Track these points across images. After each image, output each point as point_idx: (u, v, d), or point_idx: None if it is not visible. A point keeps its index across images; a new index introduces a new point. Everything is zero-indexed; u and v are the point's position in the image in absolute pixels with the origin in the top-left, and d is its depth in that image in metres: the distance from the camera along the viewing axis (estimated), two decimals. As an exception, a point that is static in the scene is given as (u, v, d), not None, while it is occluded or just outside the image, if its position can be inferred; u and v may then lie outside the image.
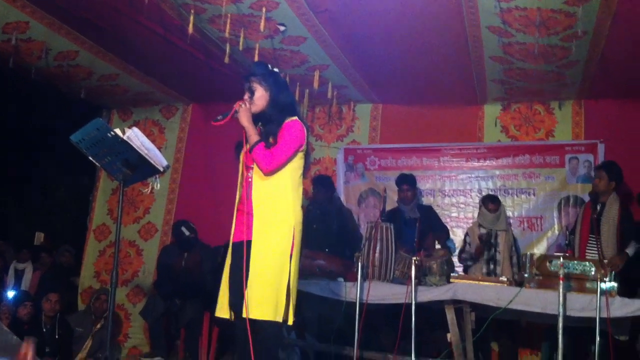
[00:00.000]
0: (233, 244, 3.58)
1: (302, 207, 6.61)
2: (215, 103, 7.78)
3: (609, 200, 5.60)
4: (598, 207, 5.62)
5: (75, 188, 7.68)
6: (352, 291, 5.09)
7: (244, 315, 3.33)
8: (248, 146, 3.56)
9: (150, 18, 5.40)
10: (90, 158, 3.85)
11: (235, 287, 3.46)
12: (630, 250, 5.37)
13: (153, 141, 7.63)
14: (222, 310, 3.58)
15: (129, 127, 3.79)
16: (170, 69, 6.74)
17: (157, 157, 3.86)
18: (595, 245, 5.50)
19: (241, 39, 5.35)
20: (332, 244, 6.24)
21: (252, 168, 3.57)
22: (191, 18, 5.05)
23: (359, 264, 5.01)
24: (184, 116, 8.01)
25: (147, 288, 7.24)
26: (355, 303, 4.95)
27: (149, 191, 4.07)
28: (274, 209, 3.51)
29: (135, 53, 6.31)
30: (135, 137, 3.69)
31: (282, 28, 5.41)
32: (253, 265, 3.40)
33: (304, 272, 5.59)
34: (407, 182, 6.35)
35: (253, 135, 3.54)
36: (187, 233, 6.42)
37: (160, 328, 6.27)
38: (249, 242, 3.45)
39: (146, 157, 3.74)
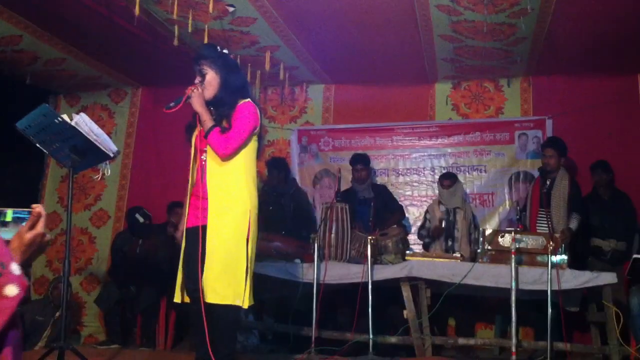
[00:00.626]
0: (187, 229, 3.53)
1: (258, 189, 6.63)
2: (165, 86, 7.66)
3: (558, 175, 5.74)
4: (547, 182, 5.75)
5: (23, 176, 7.49)
6: (309, 272, 5.12)
7: (202, 300, 3.30)
8: (203, 131, 3.50)
9: (95, 0, 5.27)
10: (38, 145, 3.76)
11: (191, 272, 3.42)
12: (573, 225, 5.52)
13: (102, 126, 7.48)
14: (179, 296, 3.56)
15: (77, 113, 3.70)
16: (118, 52, 6.60)
17: (106, 143, 3.80)
18: (546, 219, 5.63)
19: (190, 21, 5.27)
20: (288, 226, 6.25)
21: (206, 151, 3.52)
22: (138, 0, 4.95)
23: (315, 244, 5.04)
24: (133, 100, 7.87)
25: (101, 276, 7.14)
26: (312, 284, 4.97)
27: (99, 177, 3.98)
28: (228, 193, 3.48)
29: (81, 36, 6.16)
30: (83, 122, 3.62)
31: (231, 9, 5.35)
32: (210, 249, 3.37)
33: (261, 254, 5.59)
34: (360, 161, 6.38)
35: (208, 120, 3.50)
36: (141, 220, 6.35)
37: (115, 316, 6.20)
38: (204, 227, 3.41)
39: (95, 142, 3.67)
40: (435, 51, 6.20)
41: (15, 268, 1.55)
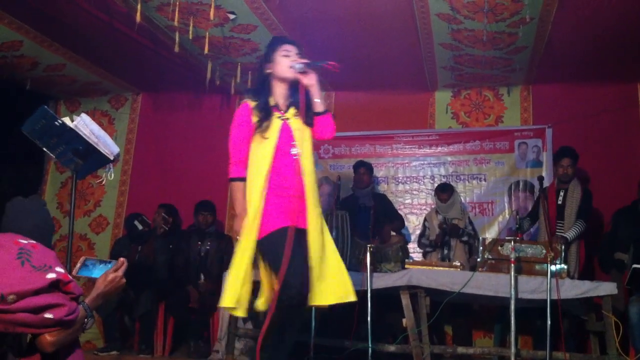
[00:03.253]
0: (281, 229, 3.24)
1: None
2: (165, 92, 7.69)
3: (571, 184, 5.73)
4: (561, 193, 5.73)
5: (22, 182, 7.50)
6: (308, 279, 5.09)
7: (316, 303, 3.29)
8: (318, 105, 3.40)
9: (96, 6, 5.28)
10: (44, 149, 3.72)
11: (298, 275, 3.21)
12: (570, 234, 5.48)
13: (102, 133, 7.49)
14: (243, 306, 3.47)
15: (78, 115, 3.64)
16: (119, 58, 6.61)
17: (107, 145, 3.73)
18: (563, 231, 5.59)
19: (190, 28, 5.28)
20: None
21: (296, 145, 3.34)
22: (138, 6, 4.95)
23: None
24: (133, 106, 7.88)
25: (99, 282, 7.12)
26: (311, 291, 4.95)
27: (103, 182, 3.92)
28: (316, 191, 3.42)
29: (82, 42, 6.17)
30: (83, 124, 3.56)
31: (232, 16, 5.36)
32: (321, 252, 3.30)
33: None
34: (364, 165, 6.44)
35: (321, 99, 3.41)
36: (140, 227, 6.34)
37: (114, 321, 6.18)
38: (303, 230, 3.27)
39: (95, 145, 3.62)
40: (435, 59, 6.21)
41: (59, 269, 2.17)
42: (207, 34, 5.52)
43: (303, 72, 3.34)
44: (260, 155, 3.32)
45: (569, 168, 5.74)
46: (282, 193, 3.29)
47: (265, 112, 3.34)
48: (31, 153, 3.77)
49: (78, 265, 2.45)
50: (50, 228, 2.52)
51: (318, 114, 3.40)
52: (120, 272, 2.40)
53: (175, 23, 5.10)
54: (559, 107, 6.82)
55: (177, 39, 5.38)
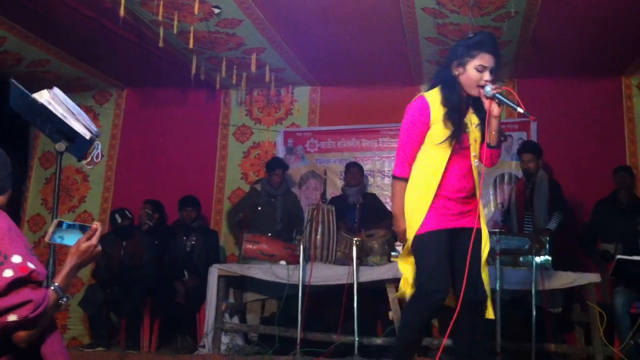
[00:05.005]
0: (464, 229, 3.23)
1: (256, 189, 6.63)
2: (150, 87, 7.65)
3: (538, 177, 5.82)
4: (530, 186, 5.82)
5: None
6: (294, 274, 5.11)
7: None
8: (493, 138, 3.17)
9: (80, 1, 5.25)
10: (37, 128, 3.40)
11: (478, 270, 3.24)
12: (552, 225, 5.57)
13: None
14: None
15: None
16: (103, 53, 6.57)
17: (87, 122, 3.34)
18: (531, 223, 5.69)
19: (175, 22, 5.25)
20: (277, 226, 6.27)
21: (475, 155, 3.25)
22: (122, 1, 4.91)
23: (301, 246, 5.03)
24: (118, 102, 7.83)
25: (85, 278, 7.09)
26: (298, 285, 4.97)
27: (89, 162, 3.52)
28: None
29: (66, 38, 6.12)
30: (57, 99, 3.17)
31: (216, 11, 5.34)
32: (483, 254, 3.30)
33: (247, 256, 5.60)
34: (357, 165, 6.55)
35: (499, 131, 3.17)
36: (119, 220, 6.30)
37: (100, 318, 6.16)
38: (479, 230, 3.25)
39: (68, 123, 3.22)
40: (420, 53, 6.23)
41: (16, 258, 1.91)
42: (192, 28, 5.49)
43: (491, 98, 3.07)
44: (437, 159, 3.22)
45: (530, 163, 5.86)
46: (451, 196, 3.23)
47: (458, 125, 3.18)
48: (14, 150, 3.58)
49: (51, 230, 2.19)
50: None
51: (489, 145, 3.19)
52: (94, 240, 2.15)
53: (160, 17, 5.08)
54: (544, 101, 6.84)
55: (161, 34, 5.36)
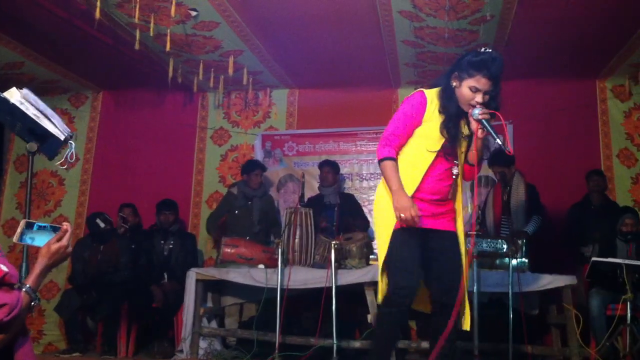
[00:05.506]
0: (438, 231, 3.28)
1: (233, 193, 6.59)
2: (126, 90, 7.59)
3: (514, 182, 5.87)
4: (507, 189, 5.87)
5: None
6: (273, 277, 5.10)
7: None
8: (473, 157, 3.26)
9: (55, 3, 5.19)
10: (7, 128, 3.32)
11: (454, 273, 3.27)
12: (530, 228, 5.62)
13: (63, 131, 7.31)
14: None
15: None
16: (79, 55, 6.50)
17: (59, 123, 3.28)
18: (508, 226, 5.73)
19: (151, 25, 5.22)
20: (254, 229, 6.25)
21: (456, 165, 3.29)
22: (98, 3, 4.88)
23: (279, 249, 5.02)
24: (94, 104, 7.76)
25: (61, 283, 7.02)
26: (276, 289, 4.96)
27: (63, 162, 3.41)
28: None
29: (40, 40, 6.04)
30: (30, 100, 3.10)
31: (193, 13, 5.32)
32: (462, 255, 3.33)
33: (225, 260, 5.57)
34: (329, 164, 6.51)
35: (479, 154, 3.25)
36: (102, 225, 6.24)
37: (76, 323, 6.09)
38: (455, 234, 3.33)
39: (41, 123, 3.15)
40: (397, 56, 6.25)
41: None
42: (169, 31, 5.46)
43: (477, 121, 3.11)
44: (420, 162, 3.22)
45: (498, 174, 5.92)
46: (424, 197, 3.24)
47: (454, 136, 3.20)
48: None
49: (19, 230, 2.19)
50: None
51: (468, 162, 3.30)
52: (64, 241, 2.17)
53: (136, 20, 5.05)
54: (520, 104, 6.88)
55: (137, 37, 5.33)
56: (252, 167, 6.47)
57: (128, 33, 5.62)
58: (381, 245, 3.29)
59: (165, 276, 6.24)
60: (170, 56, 5.99)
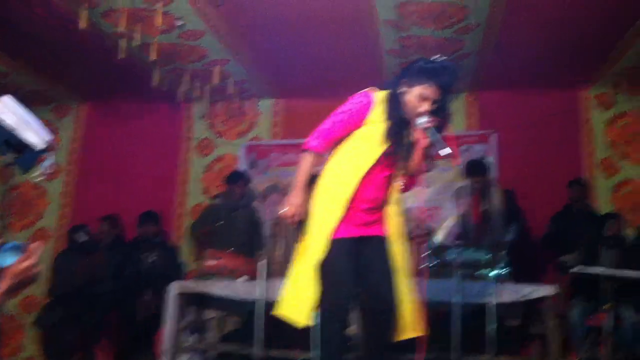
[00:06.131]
0: (372, 237, 3.15)
1: (216, 204, 6.52)
2: (111, 101, 7.54)
3: (491, 191, 5.87)
4: (485, 198, 5.88)
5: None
6: (255, 290, 5.04)
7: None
8: (412, 168, 3.13)
9: (40, 12, 5.15)
10: None
11: (385, 279, 3.11)
12: (509, 236, 5.62)
13: (46, 141, 7.20)
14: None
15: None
16: (63, 66, 6.46)
17: (37, 132, 3.21)
18: (488, 235, 5.73)
19: (137, 34, 5.18)
20: (238, 241, 6.19)
21: (397, 174, 3.18)
22: (84, 12, 4.85)
23: (263, 261, 4.97)
24: (77, 115, 7.70)
25: (42, 295, 6.92)
26: (259, 301, 4.90)
27: (39, 176, 3.34)
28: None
29: (24, 49, 6.01)
30: (6, 111, 3.04)
31: (179, 22, 5.31)
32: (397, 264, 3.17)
33: (207, 272, 5.51)
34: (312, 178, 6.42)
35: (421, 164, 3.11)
36: (84, 238, 6.17)
37: (56, 336, 6.00)
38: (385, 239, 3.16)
39: (21, 135, 3.10)
40: (383, 66, 6.24)
41: None
42: (155, 40, 5.43)
43: (422, 130, 3.01)
44: (356, 168, 3.07)
45: (476, 183, 5.93)
46: (359, 206, 3.09)
47: (398, 144, 3.07)
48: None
49: None
50: None
51: (409, 173, 3.17)
52: (32, 260, 2.03)
53: (122, 29, 5.01)
54: (504, 113, 6.92)
55: (123, 46, 5.28)
56: (235, 178, 6.42)
57: (113, 42, 5.58)
58: (311, 247, 3.10)
59: (147, 289, 6.15)
60: (156, 66, 5.95)
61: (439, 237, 6.75)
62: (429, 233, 6.29)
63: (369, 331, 3.18)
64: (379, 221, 3.16)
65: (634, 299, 5.09)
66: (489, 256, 4.71)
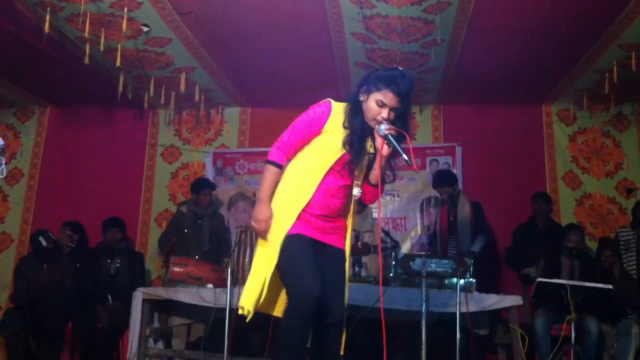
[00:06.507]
0: (328, 247, 3.14)
1: (182, 212, 6.46)
2: (75, 105, 7.46)
3: (460, 200, 5.97)
4: (453, 209, 5.98)
5: None
6: (221, 297, 5.03)
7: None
8: (374, 177, 3.11)
9: (2, 16, 5.07)
10: None
11: (338, 292, 3.15)
12: (476, 247, 5.73)
13: (7, 146, 7.14)
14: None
15: None
16: (26, 70, 6.37)
17: None
18: (455, 245, 5.83)
19: (102, 39, 5.14)
20: (204, 248, 6.17)
21: (357, 185, 3.14)
22: (47, 17, 4.80)
23: (229, 269, 4.96)
24: (41, 119, 7.59)
25: (3, 302, 6.80)
26: (225, 309, 4.89)
27: None
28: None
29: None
30: None
31: (145, 29, 5.27)
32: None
33: (173, 279, 5.48)
34: None
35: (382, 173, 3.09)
36: (44, 243, 6.08)
37: (18, 343, 5.88)
38: (343, 252, 3.18)
39: None
40: (350, 77, 6.30)
41: None
42: (120, 46, 5.39)
43: (383, 137, 2.99)
44: (313, 175, 3.05)
45: (444, 194, 6.04)
46: (313, 212, 3.07)
47: (358, 151, 3.04)
48: None
49: None
50: None
51: (369, 182, 3.13)
52: None
53: (86, 34, 4.96)
54: (469, 126, 7.05)
55: (87, 51, 5.24)
56: (201, 186, 6.41)
57: (77, 47, 5.53)
58: (269, 248, 3.05)
59: (110, 296, 6.09)
60: (121, 72, 5.91)
61: (405, 247, 6.87)
62: (396, 243, 6.38)
63: (316, 344, 3.12)
64: (337, 232, 3.17)
65: (598, 310, 5.21)
66: (455, 266, 4.78)
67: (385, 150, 3.00)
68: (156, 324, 5.66)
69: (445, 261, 4.86)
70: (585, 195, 6.83)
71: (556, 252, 5.73)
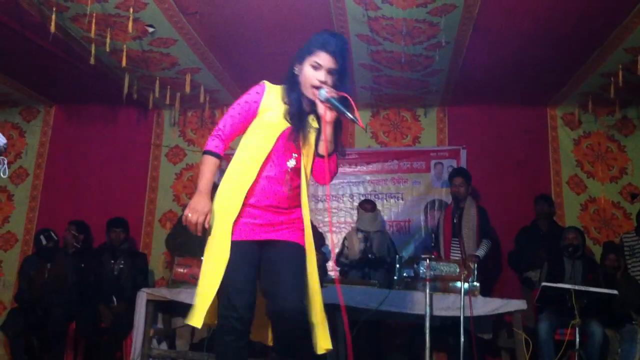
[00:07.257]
0: (279, 241, 2.86)
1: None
2: (80, 105, 7.47)
3: (466, 204, 5.96)
4: (457, 212, 5.95)
5: None
6: (225, 298, 5.02)
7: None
8: (323, 147, 2.85)
9: (8, 15, 5.09)
10: None
11: (296, 289, 2.81)
12: (481, 252, 5.71)
13: (12, 145, 7.15)
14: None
15: None
16: (31, 69, 6.38)
17: None
18: (458, 248, 5.80)
19: (107, 40, 5.15)
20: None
21: (297, 158, 2.87)
22: (53, 16, 4.81)
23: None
24: (46, 119, 7.60)
25: (7, 301, 6.81)
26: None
27: None
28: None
29: (-9, 52, 5.93)
30: None
31: (150, 29, 5.28)
32: (312, 273, 2.88)
33: (176, 280, 5.48)
34: None
35: (332, 139, 2.86)
36: (44, 242, 6.09)
37: (21, 342, 5.90)
38: (298, 245, 2.88)
39: None
40: (355, 79, 6.29)
41: None
42: (125, 46, 5.40)
43: (324, 102, 2.79)
44: (255, 155, 2.82)
45: (460, 187, 6.02)
46: (257, 203, 2.83)
47: (300, 117, 2.84)
48: None
49: None
50: None
51: (320, 155, 2.88)
52: None
53: (92, 34, 4.98)
54: (473, 129, 7.03)
55: (93, 51, 5.25)
56: None
57: (83, 47, 5.55)
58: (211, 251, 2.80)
59: (114, 297, 6.09)
60: (126, 72, 5.92)
61: (409, 249, 6.86)
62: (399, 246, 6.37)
63: (276, 347, 2.91)
64: (291, 224, 2.90)
65: (602, 315, 5.18)
66: (459, 270, 4.76)
67: (329, 116, 2.80)
68: (160, 325, 5.67)
69: (449, 264, 4.85)
70: (590, 199, 6.81)
71: (559, 255, 5.71)
